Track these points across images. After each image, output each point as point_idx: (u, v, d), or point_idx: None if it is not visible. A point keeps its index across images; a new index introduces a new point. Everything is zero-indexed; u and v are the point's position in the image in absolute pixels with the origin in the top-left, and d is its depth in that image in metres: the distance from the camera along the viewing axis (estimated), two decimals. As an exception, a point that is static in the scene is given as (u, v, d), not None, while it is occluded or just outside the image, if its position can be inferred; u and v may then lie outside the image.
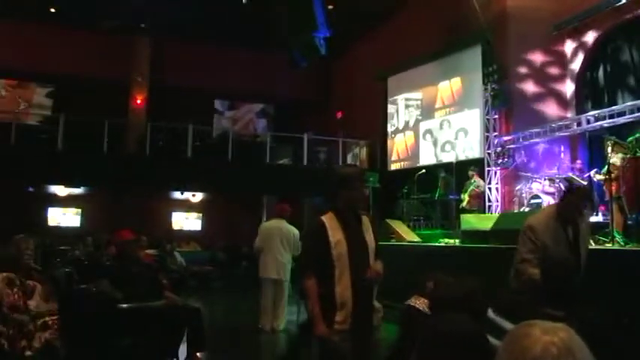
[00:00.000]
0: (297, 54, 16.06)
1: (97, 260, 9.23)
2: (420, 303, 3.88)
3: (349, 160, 18.86)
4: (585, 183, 9.76)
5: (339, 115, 20.90)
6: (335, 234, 3.35)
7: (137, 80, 19.11)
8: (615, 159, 8.37)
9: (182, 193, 20.18)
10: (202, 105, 20.73)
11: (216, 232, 19.38)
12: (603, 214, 9.18)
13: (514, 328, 1.29)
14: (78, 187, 18.86)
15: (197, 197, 20.77)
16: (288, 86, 19.95)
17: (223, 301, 13.31)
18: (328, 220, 3.44)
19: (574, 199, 4.19)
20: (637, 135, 8.66)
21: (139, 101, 19.16)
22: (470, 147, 14.33)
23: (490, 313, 2.94)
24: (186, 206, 20.79)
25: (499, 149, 13.18)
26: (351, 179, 3.56)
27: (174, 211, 20.66)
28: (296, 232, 8.52)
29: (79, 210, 19.40)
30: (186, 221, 20.76)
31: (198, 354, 5.88)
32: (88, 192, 19.29)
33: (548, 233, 4.05)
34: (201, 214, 20.90)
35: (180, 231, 20.18)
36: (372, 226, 3.56)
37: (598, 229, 8.01)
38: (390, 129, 17.66)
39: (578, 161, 11.11)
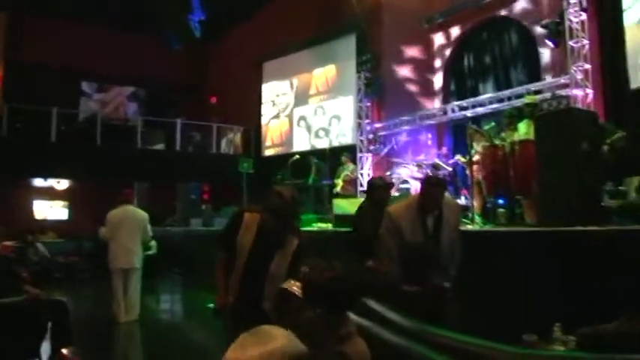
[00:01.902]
0: (170, 36, 15.53)
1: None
2: (294, 287, 3.82)
3: (223, 146, 18.58)
4: (450, 169, 10.22)
5: (214, 100, 20.49)
6: (248, 228, 3.50)
7: (-11, 56, 17.57)
8: (476, 146, 8.79)
9: (45, 180, 18.85)
10: (68, 87, 19.42)
11: (85, 222, 18.29)
12: (466, 198, 9.64)
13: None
14: None
15: (63, 184, 19.46)
16: (160, 69, 19.30)
17: (90, 293, 12.60)
18: (250, 215, 3.55)
19: (430, 189, 4.29)
20: (492, 124, 9.17)
21: (-9, 79, 17.64)
22: (343, 133, 14.59)
23: (368, 300, 2.96)
24: (51, 194, 19.41)
25: (371, 136, 13.51)
26: (282, 211, 3.48)
27: (37, 200, 19.25)
28: (145, 216, 8.19)
29: None
30: (50, 210, 19.41)
31: (63, 350, 5.45)
32: None
33: (404, 221, 4.16)
34: (67, 203, 19.62)
35: (45, 220, 18.83)
36: (293, 257, 3.51)
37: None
38: (264, 115, 17.56)
39: (444, 148, 11.65)
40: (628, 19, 9.48)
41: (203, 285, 9.72)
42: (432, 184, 4.37)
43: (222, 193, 16.08)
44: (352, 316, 2.27)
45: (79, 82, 20.61)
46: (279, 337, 1.31)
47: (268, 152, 17.41)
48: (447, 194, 4.71)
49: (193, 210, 15.28)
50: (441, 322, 2.84)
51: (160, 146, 17.80)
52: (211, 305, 3.82)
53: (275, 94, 17.51)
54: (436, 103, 13.08)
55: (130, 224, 7.97)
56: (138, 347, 7.40)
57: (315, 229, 10.47)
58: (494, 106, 11.02)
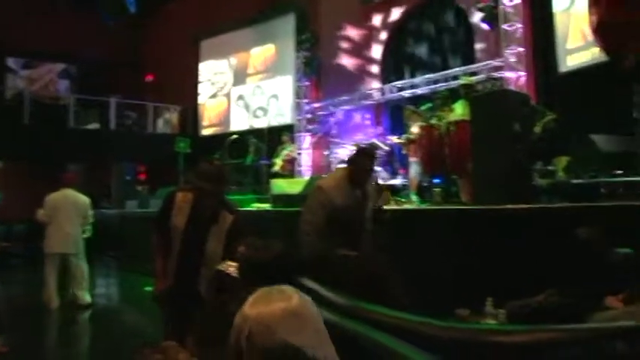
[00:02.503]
0: (104, 11, 15.02)
1: None
2: (230, 268, 3.79)
3: (160, 125, 18.18)
4: (388, 148, 10.33)
5: (150, 78, 19.97)
6: (180, 209, 3.45)
7: None
8: (413, 126, 8.91)
9: (-34, 161, 17.95)
10: (-8, 63, 18.54)
11: (15, 205, 17.55)
12: (403, 177, 9.78)
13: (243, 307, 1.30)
14: None
15: (-14, 166, 18.58)
16: (94, 46, 18.57)
17: (23, 279, 12.17)
18: (182, 195, 3.51)
19: (361, 161, 4.32)
20: (428, 104, 9.32)
21: None
22: (281, 113, 14.52)
23: (303, 279, 2.96)
24: (-25, 177, 18.53)
25: (309, 116, 13.50)
26: (214, 176, 3.43)
27: (-43, 182, 18.29)
28: (87, 201, 7.95)
29: None
30: (-27, 193, 18.50)
31: (-7, 339, 5.24)
32: None
33: (337, 193, 4.17)
34: (-7, 185, 18.75)
35: (-32, 204, 17.96)
36: (228, 233, 3.47)
37: (398, 190, 8.50)
38: (202, 94, 17.28)
39: (380, 128, 11.77)
40: (557, 6, 9.75)
41: (139, 268, 9.55)
42: (365, 155, 4.41)
43: (159, 173, 15.75)
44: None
45: (3, 58, 19.66)
46: (295, 294, 1.31)
47: (206, 132, 17.16)
48: None
49: (129, 191, 14.94)
50: (385, 285, 2.87)
51: (94, 126, 17.21)
52: (149, 289, 3.74)
53: (213, 73, 17.23)
54: (374, 84, 13.15)
55: (70, 209, 7.71)
56: (72, 334, 7.20)
57: (253, 209, 10.42)
58: (431, 87, 11.19)
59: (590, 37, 8.58)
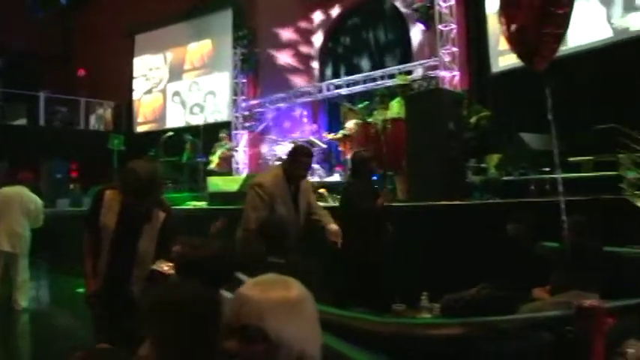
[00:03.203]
0: (32, 1, 14.45)
1: None
2: (165, 267, 3.72)
3: (93, 122, 17.65)
4: (325, 146, 10.37)
5: (82, 72, 19.33)
6: (110, 208, 3.32)
7: None
8: (350, 123, 8.97)
9: None
10: None
11: None
12: (340, 174, 9.83)
13: (240, 288, 1.29)
14: None
15: None
16: (21, 38, 17.81)
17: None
18: (111, 193, 3.36)
19: (297, 159, 4.34)
20: (365, 103, 9.41)
21: None
22: (218, 110, 14.36)
23: (239, 274, 2.94)
24: None
25: (246, 113, 13.42)
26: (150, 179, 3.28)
27: None
28: (39, 201, 7.66)
29: None
30: None
31: None
32: None
33: (275, 189, 4.19)
34: None
35: None
36: (161, 231, 3.37)
37: (335, 187, 8.54)
38: (136, 89, 16.89)
39: (317, 125, 11.83)
40: (490, 8, 10.03)
41: (71, 270, 9.24)
42: (304, 154, 4.42)
43: (92, 171, 15.23)
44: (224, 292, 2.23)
45: None
46: (296, 287, 1.30)
47: (141, 129, 16.77)
48: None
49: (60, 190, 14.39)
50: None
51: (22, 121, 16.55)
52: (81, 290, 3.61)
53: (148, 68, 16.85)
54: (312, 81, 13.17)
55: (20, 207, 7.37)
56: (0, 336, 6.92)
57: (190, 207, 10.27)
58: (368, 85, 11.33)
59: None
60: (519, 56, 4.89)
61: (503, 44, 9.74)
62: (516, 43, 4.79)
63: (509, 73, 9.46)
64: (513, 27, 4.69)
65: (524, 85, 9.20)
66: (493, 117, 8.23)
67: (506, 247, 4.21)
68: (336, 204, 7.01)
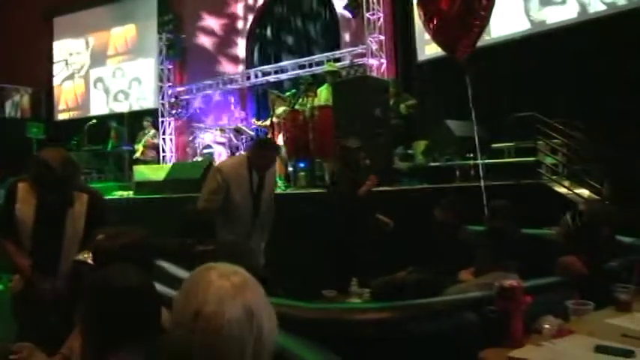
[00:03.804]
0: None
1: None
2: (90, 258, 3.60)
3: (8, 109, 16.80)
4: (252, 133, 10.30)
5: (-5, 57, 18.39)
6: (25, 201, 3.15)
7: None
8: (278, 111, 8.95)
9: None
10: None
11: None
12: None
13: (193, 272, 1.28)
14: None
15: None
16: None
17: None
18: (24, 185, 3.19)
19: (265, 153, 4.39)
20: (293, 91, 9.40)
21: None
22: (144, 97, 14.01)
23: (162, 262, 2.88)
24: None
25: (173, 100, 13.16)
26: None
27: None
28: None
29: None
30: None
31: None
32: None
33: (233, 176, 4.26)
34: None
35: None
36: (88, 213, 3.24)
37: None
38: (56, 75, 16.21)
39: (245, 113, 11.75)
40: (416, -3, 10.20)
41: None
42: (270, 148, 4.52)
43: (10, 161, 14.54)
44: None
45: None
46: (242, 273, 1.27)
47: (62, 116, 16.12)
48: None
49: (-28, 181, 13.72)
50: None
51: None
52: (1, 287, 3.44)
53: (68, 53, 16.17)
54: (240, 68, 13.03)
55: None
56: None
57: (115, 197, 10.00)
58: (296, 72, 11.32)
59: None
60: (441, 46, 5.02)
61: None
62: (438, 34, 4.91)
63: (435, 62, 9.66)
64: (434, 20, 4.83)
65: (449, 74, 9.47)
66: (418, 106, 8.39)
67: (434, 231, 4.31)
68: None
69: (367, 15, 10.15)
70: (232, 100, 12.12)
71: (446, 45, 5.04)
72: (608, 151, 6.38)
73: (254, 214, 4.38)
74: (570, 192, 5.74)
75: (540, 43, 8.36)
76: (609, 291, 2.49)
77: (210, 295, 1.19)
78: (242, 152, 10.20)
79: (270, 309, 1.27)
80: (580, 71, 7.56)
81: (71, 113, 15.82)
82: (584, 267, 2.83)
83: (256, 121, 10.33)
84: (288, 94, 9.37)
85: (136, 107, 13.90)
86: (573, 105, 7.31)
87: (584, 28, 8.02)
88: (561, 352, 1.99)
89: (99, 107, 14.96)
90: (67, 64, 16.09)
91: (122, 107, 14.11)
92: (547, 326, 2.15)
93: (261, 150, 4.41)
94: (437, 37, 5.06)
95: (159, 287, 1.77)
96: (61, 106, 16.09)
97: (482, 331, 2.20)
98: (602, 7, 7.99)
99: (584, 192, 5.75)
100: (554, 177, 6.15)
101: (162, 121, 13.13)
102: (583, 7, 8.19)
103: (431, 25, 4.99)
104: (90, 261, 3.58)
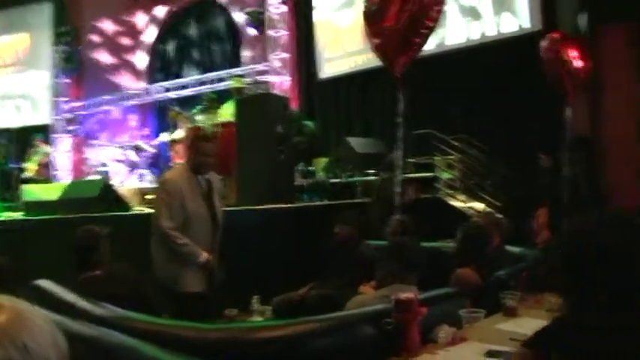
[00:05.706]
0: None
1: None
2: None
3: None
4: (154, 150, 10.05)
5: None
6: None
7: None
8: (179, 128, 8.79)
9: None
10: None
11: None
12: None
13: None
14: None
15: None
16: None
17: None
18: None
19: (201, 144, 3.85)
20: (198, 107, 9.24)
21: None
22: (36, 112, 13.31)
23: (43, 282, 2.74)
24: None
25: (69, 116, 12.62)
26: None
27: None
28: None
29: None
30: None
31: None
32: None
33: (182, 183, 3.78)
34: None
35: None
36: None
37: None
38: None
39: (146, 129, 11.45)
40: (317, 16, 10.36)
41: None
42: (201, 138, 4.06)
43: None
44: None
45: None
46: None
47: (-58, 131, 15.00)
48: None
49: None
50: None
51: None
52: None
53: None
54: (140, 83, 12.70)
55: None
56: None
57: (3, 218, 9.40)
58: (198, 88, 11.18)
59: (350, 48, 9.41)
60: (381, 60, 5.17)
61: (329, 51, 10.15)
62: (379, 49, 5.06)
63: (336, 80, 9.84)
64: (377, 40, 4.97)
65: (349, 91, 9.68)
66: (320, 121, 8.50)
67: (335, 246, 4.34)
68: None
69: (270, 32, 10.20)
70: (133, 116, 11.77)
71: (385, 60, 5.17)
72: (501, 166, 6.71)
73: (214, 225, 3.90)
74: (465, 205, 5.98)
75: (441, 62, 8.60)
76: (498, 298, 2.62)
77: None
78: (142, 170, 9.95)
79: (55, 335, 1.03)
80: (478, 90, 7.88)
81: (-48, 128, 14.76)
82: (479, 279, 2.95)
83: (158, 138, 10.04)
84: (194, 111, 9.21)
85: (27, 123, 13.18)
86: (472, 122, 7.57)
87: (482, 49, 8.40)
88: (454, 359, 2.05)
89: (-17, 122, 14.05)
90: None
91: (11, 122, 13.33)
92: (442, 335, 2.21)
93: (193, 143, 3.92)
94: (378, 52, 5.18)
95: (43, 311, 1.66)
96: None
97: (380, 343, 2.22)
98: (493, 33, 8.44)
99: (479, 205, 6.02)
100: (449, 191, 6.40)
101: (57, 138, 12.53)
102: (480, 33, 8.63)
103: (374, 41, 5.10)
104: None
